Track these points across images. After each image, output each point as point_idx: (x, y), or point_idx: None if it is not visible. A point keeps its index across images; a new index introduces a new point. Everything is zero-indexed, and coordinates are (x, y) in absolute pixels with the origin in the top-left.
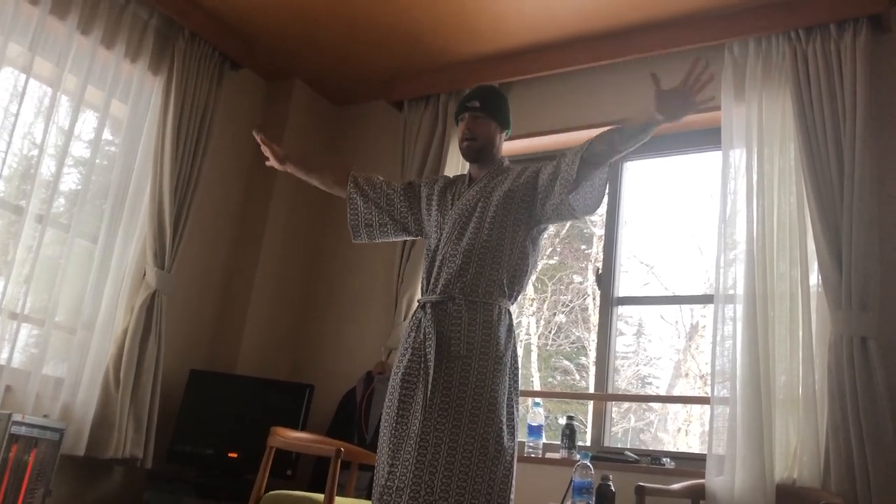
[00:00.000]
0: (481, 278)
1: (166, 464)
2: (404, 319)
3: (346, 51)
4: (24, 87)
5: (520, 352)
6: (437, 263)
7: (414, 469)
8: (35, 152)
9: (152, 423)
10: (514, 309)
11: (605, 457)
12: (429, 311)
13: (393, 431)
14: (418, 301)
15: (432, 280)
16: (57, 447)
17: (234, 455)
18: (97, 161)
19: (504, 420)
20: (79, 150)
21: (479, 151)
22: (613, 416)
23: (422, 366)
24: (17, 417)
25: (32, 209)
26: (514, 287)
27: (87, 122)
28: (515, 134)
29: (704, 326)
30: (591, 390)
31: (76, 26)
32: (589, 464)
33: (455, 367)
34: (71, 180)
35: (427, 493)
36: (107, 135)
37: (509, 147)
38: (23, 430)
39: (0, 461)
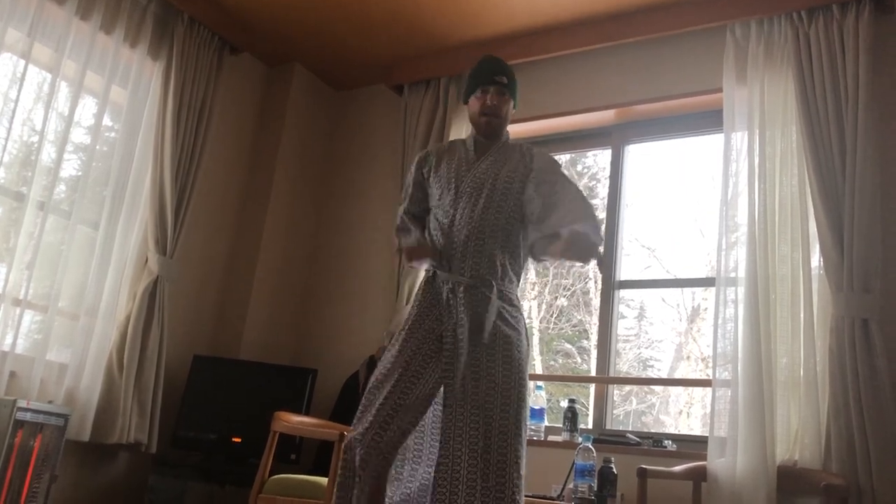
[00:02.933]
0: (505, 266)
1: (171, 449)
2: (406, 304)
3: (346, 35)
4: (24, 73)
5: None
6: (461, 243)
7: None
8: (35, 139)
9: (156, 409)
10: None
11: (606, 439)
12: (461, 294)
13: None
14: (441, 277)
15: (457, 259)
16: (62, 433)
17: (237, 440)
18: (97, 147)
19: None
20: (79, 136)
21: (497, 129)
22: (615, 398)
23: (452, 349)
24: (21, 403)
25: (34, 196)
26: (520, 274)
27: (87, 107)
28: (520, 117)
29: (706, 309)
30: (593, 373)
31: (75, 12)
32: (591, 446)
33: (484, 355)
34: (71, 167)
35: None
36: (107, 121)
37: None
38: (28, 416)
39: (6, 447)
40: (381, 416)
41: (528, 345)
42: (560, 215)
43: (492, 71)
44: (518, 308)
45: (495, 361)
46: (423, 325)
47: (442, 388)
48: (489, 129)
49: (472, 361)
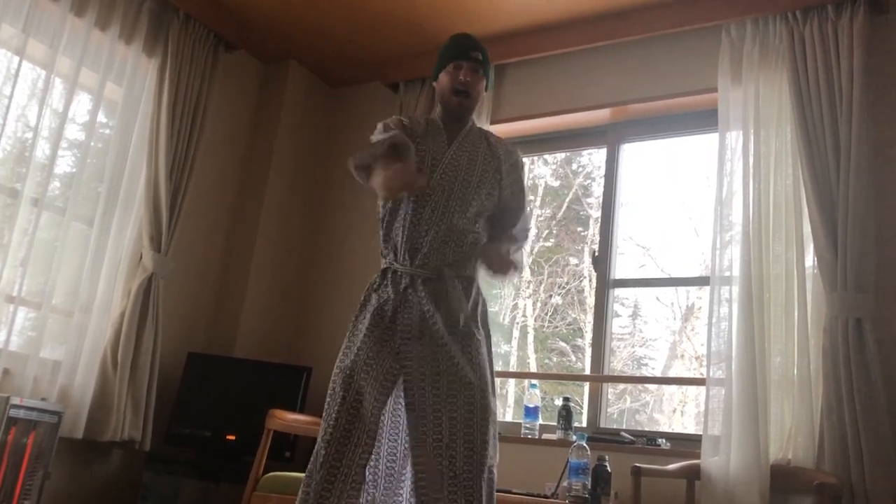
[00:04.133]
0: (470, 256)
1: (165, 446)
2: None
3: (342, 32)
4: (18, 69)
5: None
6: (427, 238)
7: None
8: (29, 135)
9: (150, 406)
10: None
11: (601, 438)
12: (420, 287)
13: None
14: (397, 269)
15: (420, 254)
16: (55, 430)
17: (232, 437)
18: (92, 144)
19: (493, 391)
20: (73, 132)
21: (468, 111)
22: (609, 397)
23: (412, 341)
24: (15, 400)
25: (28, 192)
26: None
27: (82, 104)
28: (511, 116)
29: (700, 308)
30: (587, 372)
31: (69, 8)
32: (585, 445)
33: (447, 348)
34: (66, 163)
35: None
36: (101, 117)
37: (506, 130)
38: (21, 413)
39: None
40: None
41: (488, 333)
42: (514, 222)
43: (466, 46)
44: (480, 294)
45: (459, 355)
46: (376, 327)
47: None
48: (460, 109)
49: (434, 355)
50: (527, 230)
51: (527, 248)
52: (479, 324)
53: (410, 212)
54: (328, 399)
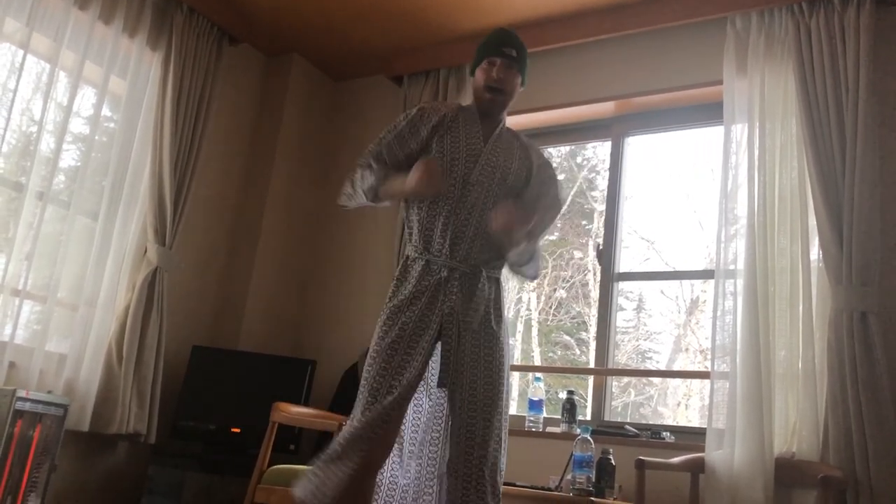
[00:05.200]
0: (501, 255)
1: (170, 439)
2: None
3: (345, 25)
4: (22, 63)
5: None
6: (466, 233)
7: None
8: (34, 129)
9: (155, 399)
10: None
11: (605, 431)
12: (455, 281)
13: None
14: (432, 260)
15: (457, 248)
16: (61, 423)
17: (237, 430)
18: (96, 137)
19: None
20: (78, 126)
21: (502, 107)
22: (613, 390)
23: (446, 335)
24: (21, 393)
25: (32, 186)
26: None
27: (86, 98)
28: (516, 109)
29: (705, 301)
30: (592, 365)
31: (73, 1)
32: (589, 438)
33: (477, 341)
34: (70, 157)
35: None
36: (106, 111)
37: (511, 123)
38: (27, 406)
39: (5, 437)
40: (383, 408)
41: (507, 332)
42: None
43: (501, 42)
44: (503, 295)
45: (487, 350)
46: (414, 310)
47: (436, 378)
48: (493, 105)
49: (465, 349)
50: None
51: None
52: (502, 324)
53: (448, 207)
54: (368, 364)
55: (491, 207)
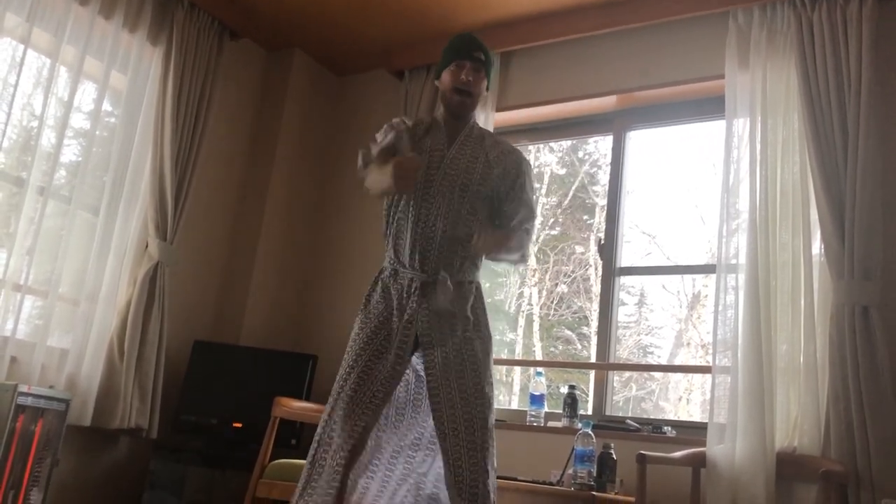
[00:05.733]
0: (465, 260)
1: (172, 434)
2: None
3: (346, 20)
4: (23, 58)
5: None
6: (431, 241)
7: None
8: (35, 124)
9: (157, 394)
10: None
11: (606, 425)
12: (421, 290)
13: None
14: (398, 270)
15: (423, 256)
16: (63, 417)
17: (238, 425)
18: (97, 133)
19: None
20: (78, 121)
21: (469, 109)
22: (615, 385)
23: (407, 344)
24: (23, 388)
25: (33, 181)
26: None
27: (87, 93)
28: (517, 104)
29: (706, 296)
30: (593, 360)
31: None
32: (591, 432)
33: (447, 347)
34: (71, 152)
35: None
36: (106, 106)
37: (512, 118)
38: (29, 401)
39: (7, 432)
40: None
41: (488, 333)
42: (516, 215)
43: (468, 45)
44: (479, 297)
45: (459, 354)
46: (383, 324)
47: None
48: (461, 108)
49: (443, 363)
50: (524, 224)
51: (528, 239)
52: (478, 326)
53: (412, 216)
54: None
55: (455, 214)
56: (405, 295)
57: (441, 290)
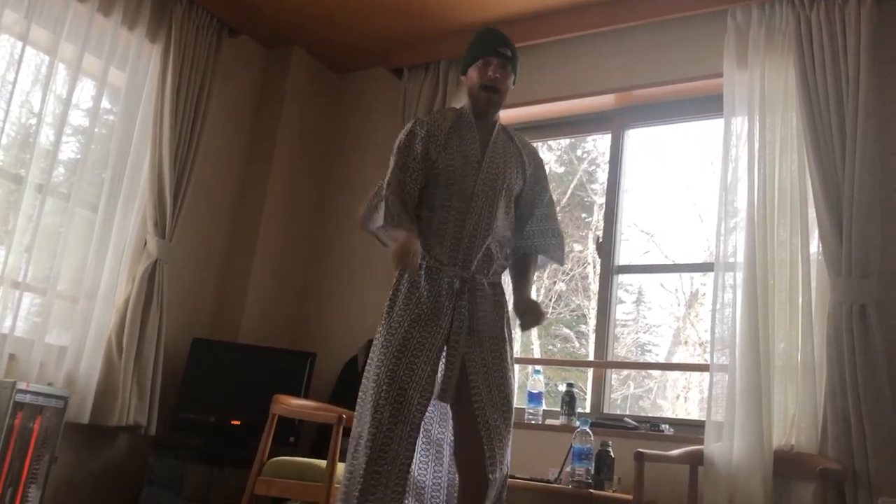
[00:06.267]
0: (503, 261)
1: (170, 431)
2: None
3: (345, 17)
4: (21, 55)
5: None
6: (475, 243)
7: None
8: (33, 121)
9: (156, 391)
10: None
11: (604, 423)
12: (465, 290)
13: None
14: (435, 267)
15: (465, 256)
16: (61, 414)
17: (237, 422)
18: (96, 130)
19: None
20: (77, 118)
21: (497, 106)
22: (613, 383)
23: (456, 337)
24: (21, 385)
25: (32, 178)
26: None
27: (85, 90)
28: (516, 102)
29: (704, 294)
30: (591, 358)
31: None
32: (588, 430)
33: (487, 349)
34: (70, 149)
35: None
36: (105, 103)
37: (511, 116)
38: (27, 398)
39: (5, 429)
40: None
41: (511, 336)
42: (541, 214)
43: (496, 41)
44: (505, 297)
45: (495, 355)
46: (424, 320)
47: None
48: (489, 104)
49: (478, 363)
50: (558, 244)
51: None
52: (508, 328)
53: (456, 218)
54: (375, 374)
55: (497, 217)
56: (444, 294)
57: (481, 291)
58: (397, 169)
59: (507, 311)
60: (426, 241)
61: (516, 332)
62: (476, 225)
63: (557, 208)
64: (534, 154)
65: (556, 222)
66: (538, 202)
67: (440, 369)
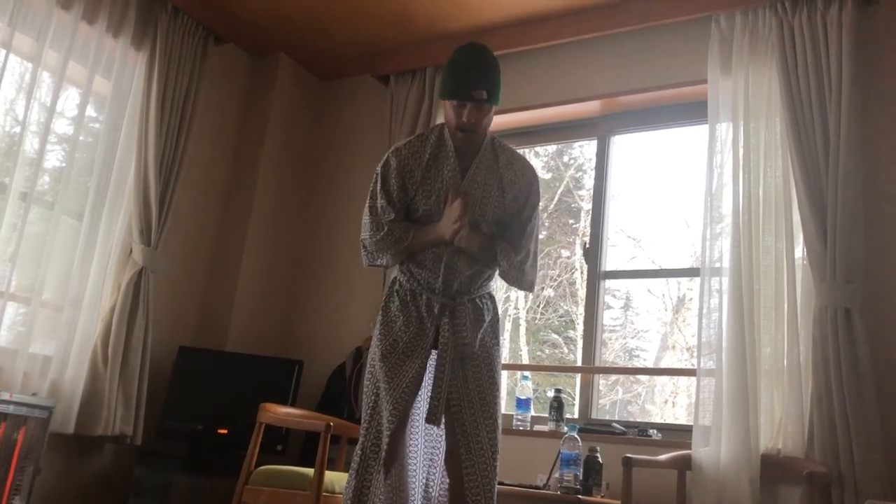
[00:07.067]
0: (486, 280)
1: (156, 440)
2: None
3: (331, 25)
4: (5, 63)
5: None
6: (457, 268)
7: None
8: (17, 129)
9: (142, 400)
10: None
11: (592, 429)
12: (445, 314)
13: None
14: (416, 290)
15: (449, 282)
16: (46, 425)
17: (224, 431)
18: (81, 138)
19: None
20: (62, 126)
21: (477, 139)
22: (601, 388)
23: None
24: (4, 396)
25: (16, 187)
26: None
27: (70, 98)
28: (502, 109)
29: (691, 299)
30: (579, 363)
31: (56, 1)
32: (577, 436)
33: (468, 366)
34: (55, 157)
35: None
36: (90, 111)
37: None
38: (11, 409)
39: None
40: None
41: (500, 335)
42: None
43: (469, 84)
44: (496, 312)
45: (476, 370)
46: (406, 342)
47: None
48: (466, 142)
49: (462, 383)
50: (523, 245)
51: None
52: (497, 340)
53: (432, 252)
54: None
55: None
56: (426, 314)
57: (461, 309)
58: (371, 214)
59: (491, 318)
60: (407, 266)
61: (504, 337)
62: (454, 261)
63: (545, 214)
64: (520, 175)
65: (527, 242)
66: (518, 228)
67: (426, 380)
